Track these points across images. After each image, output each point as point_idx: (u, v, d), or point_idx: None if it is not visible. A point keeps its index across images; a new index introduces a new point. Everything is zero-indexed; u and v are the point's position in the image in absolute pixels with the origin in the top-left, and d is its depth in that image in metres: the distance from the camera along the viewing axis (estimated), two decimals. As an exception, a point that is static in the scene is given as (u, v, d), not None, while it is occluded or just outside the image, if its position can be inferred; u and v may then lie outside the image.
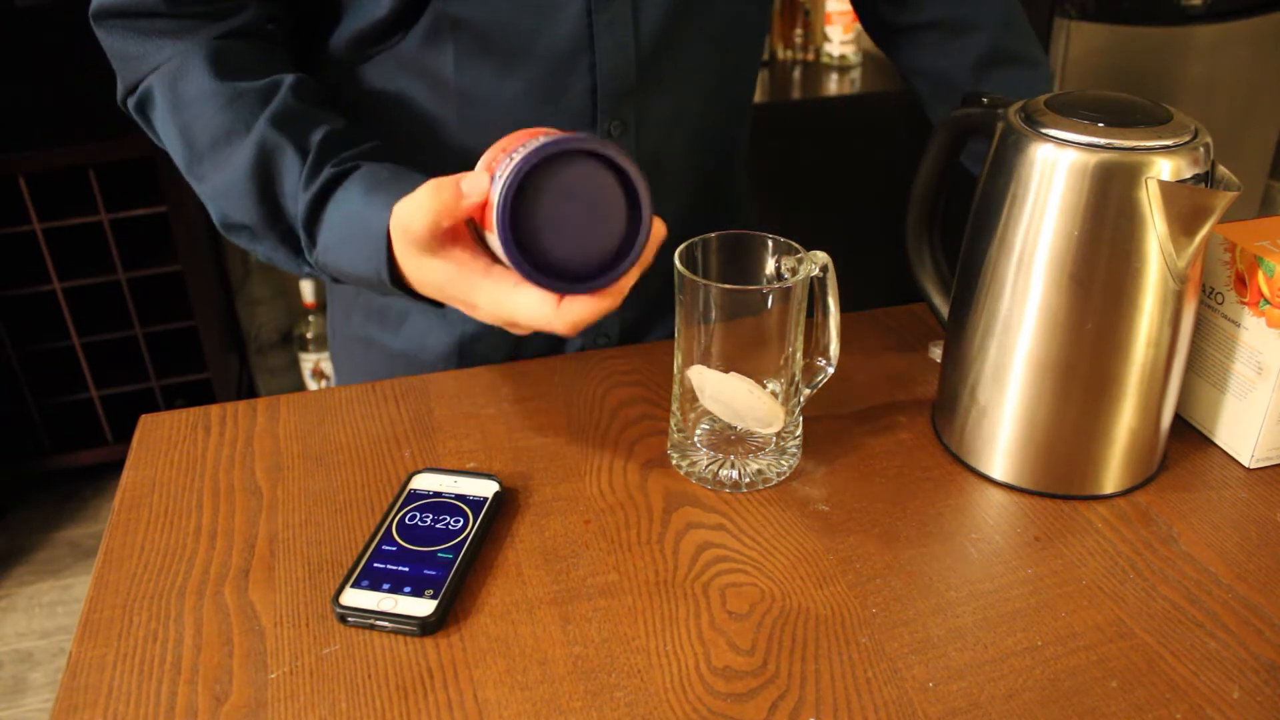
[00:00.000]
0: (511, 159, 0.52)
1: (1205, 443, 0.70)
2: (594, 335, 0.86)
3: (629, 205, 0.54)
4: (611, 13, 0.70)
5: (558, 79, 0.72)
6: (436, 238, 0.56)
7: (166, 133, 0.69)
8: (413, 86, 0.73)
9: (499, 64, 0.71)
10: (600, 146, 0.52)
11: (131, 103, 0.70)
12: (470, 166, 0.74)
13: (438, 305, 0.63)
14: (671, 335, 0.89)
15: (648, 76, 0.74)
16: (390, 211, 0.59)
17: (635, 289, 0.85)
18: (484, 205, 0.54)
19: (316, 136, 0.65)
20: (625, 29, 0.71)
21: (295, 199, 0.65)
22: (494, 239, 0.54)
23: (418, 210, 0.55)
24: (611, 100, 0.73)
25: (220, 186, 0.67)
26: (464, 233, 0.58)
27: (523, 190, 0.51)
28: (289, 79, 0.68)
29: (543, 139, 0.52)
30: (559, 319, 0.55)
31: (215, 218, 0.69)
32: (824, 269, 0.63)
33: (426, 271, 0.58)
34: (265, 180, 0.65)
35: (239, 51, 0.68)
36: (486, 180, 0.53)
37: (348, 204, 0.63)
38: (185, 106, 0.67)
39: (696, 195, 0.84)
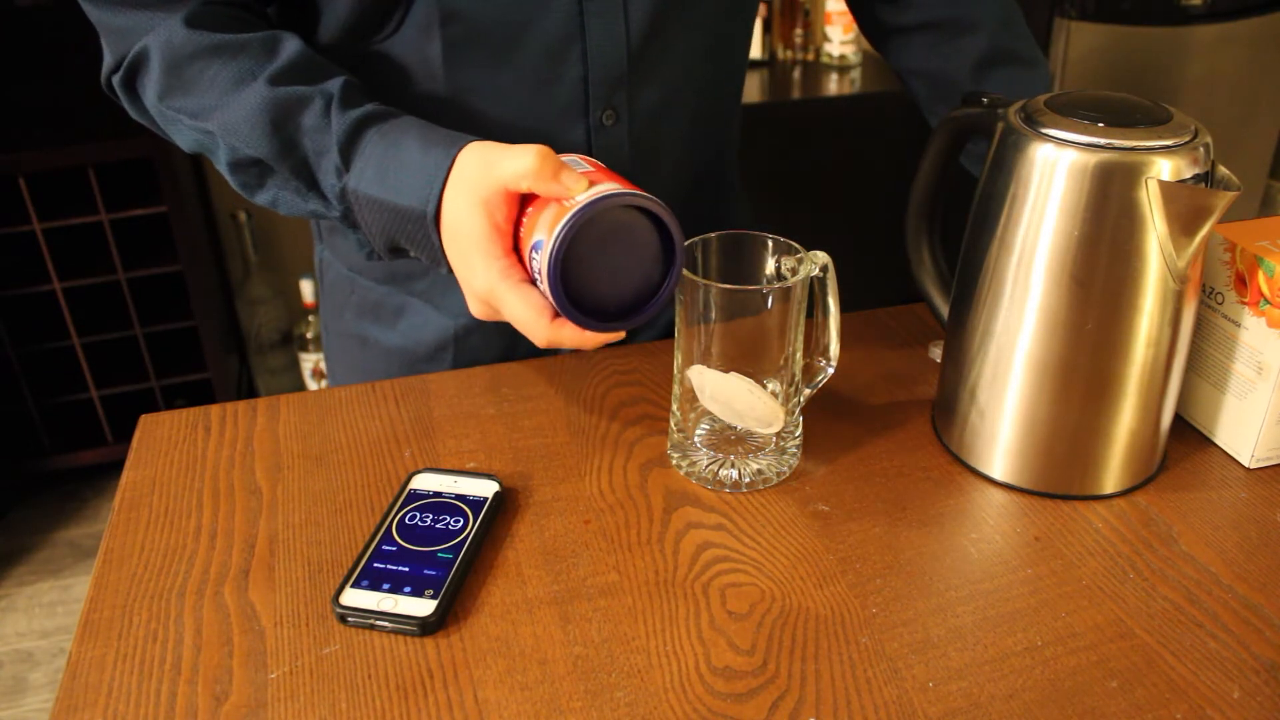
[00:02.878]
0: (577, 199, 0.56)
1: (1205, 443, 0.70)
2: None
3: (663, 255, 0.59)
4: (601, 0, 0.70)
5: (550, 68, 0.72)
6: (507, 192, 0.59)
7: (163, 89, 0.68)
8: (406, 80, 0.73)
9: (491, 55, 0.71)
10: (649, 203, 0.57)
11: (118, 78, 0.70)
12: None
13: (440, 268, 0.64)
14: (670, 334, 0.89)
15: (639, 65, 0.74)
16: (456, 151, 0.61)
17: None
18: (560, 202, 0.57)
19: (337, 82, 0.66)
20: (615, 17, 0.71)
21: (322, 130, 0.65)
22: (539, 258, 0.57)
23: (518, 158, 0.57)
24: (603, 89, 0.74)
25: (229, 124, 0.66)
26: (514, 210, 0.60)
27: (577, 236, 0.56)
28: (290, 35, 0.68)
29: (601, 191, 0.56)
30: (544, 332, 0.58)
31: (224, 158, 0.68)
32: (824, 269, 0.63)
33: (463, 217, 0.60)
34: (281, 115, 0.65)
35: (224, 14, 0.69)
36: (584, 183, 0.57)
37: (400, 136, 0.64)
38: (187, 63, 0.66)
39: (689, 187, 0.84)
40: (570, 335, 0.58)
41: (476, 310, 0.62)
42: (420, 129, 0.64)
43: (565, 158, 0.60)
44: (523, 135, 0.73)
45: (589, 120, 0.74)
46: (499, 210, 0.59)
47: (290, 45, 0.67)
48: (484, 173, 0.59)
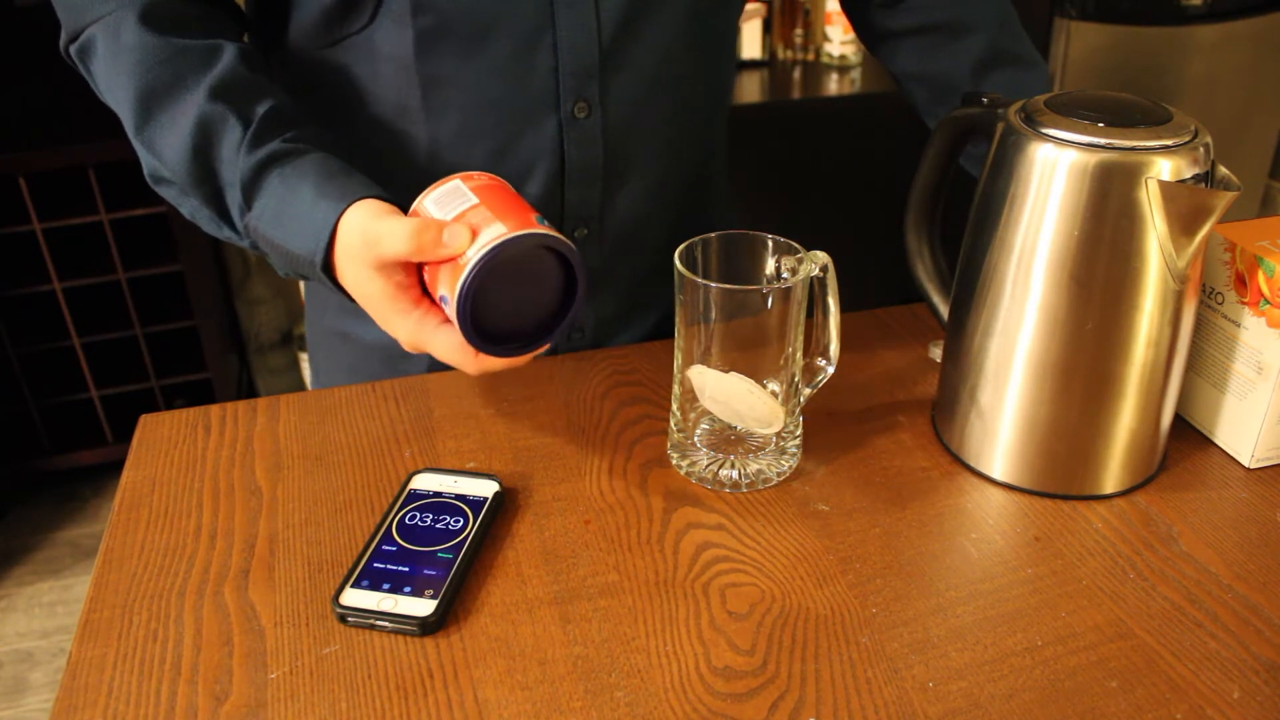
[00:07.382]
0: (468, 256, 0.57)
1: (1205, 443, 0.70)
2: (568, 332, 0.86)
3: (564, 279, 0.60)
4: None
5: (521, 59, 0.72)
6: (394, 264, 0.60)
7: (108, 82, 0.69)
8: (380, 73, 0.73)
9: (462, 46, 0.71)
10: (550, 240, 0.58)
11: (74, 49, 0.70)
12: (433, 150, 0.74)
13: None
14: (647, 337, 0.89)
15: (611, 55, 0.73)
16: (344, 207, 0.62)
17: (609, 288, 0.85)
18: (453, 260, 0.58)
19: (261, 108, 0.67)
20: (586, 6, 0.71)
21: (233, 164, 0.66)
22: (449, 309, 0.58)
23: (395, 240, 0.58)
24: (575, 79, 0.73)
25: (154, 141, 0.67)
26: (410, 266, 0.61)
27: (477, 292, 0.57)
28: (232, 46, 0.68)
29: (488, 241, 0.56)
30: (473, 365, 0.61)
31: (145, 168, 0.70)
32: (824, 269, 0.63)
33: (363, 283, 0.62)
34: (202, 141, 0.66)
35: (177, 9, 0.69)
36: (467, 239, 0.57)
37: (298, 181, 0.64)
38: (126, 55, 0.67)
39: (674, 192, 0.84)
40: (498, 363, 0.61)
41: (409, 350, 0.64)
42: (316, 177, 0.64)
43: (445, 185, 0.61)
44: (496, 127, 0.74)
45: (561, 112, 0.74)
46: (395, 273, 0.61)
47: (227, 58, 0.67)
48: (367, 250, 0.60)
